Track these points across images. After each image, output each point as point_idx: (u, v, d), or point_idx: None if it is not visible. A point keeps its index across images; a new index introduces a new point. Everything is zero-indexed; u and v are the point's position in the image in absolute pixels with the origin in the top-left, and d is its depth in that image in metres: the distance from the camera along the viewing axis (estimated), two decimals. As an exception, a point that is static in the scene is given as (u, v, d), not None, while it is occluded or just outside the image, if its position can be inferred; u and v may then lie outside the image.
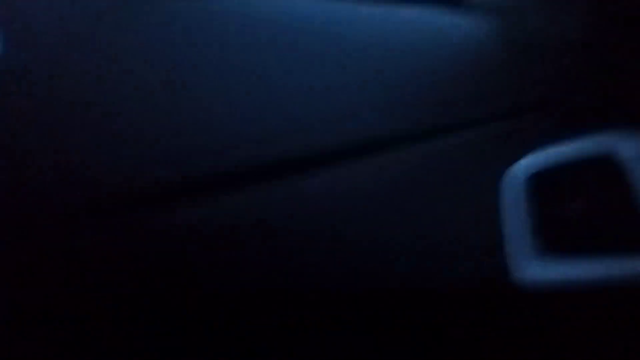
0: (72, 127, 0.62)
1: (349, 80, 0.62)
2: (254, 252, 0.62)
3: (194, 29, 0.62)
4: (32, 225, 0.63)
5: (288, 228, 0.62)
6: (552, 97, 0.61)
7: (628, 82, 0.59)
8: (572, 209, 0.59)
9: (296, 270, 0.63)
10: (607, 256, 0.57)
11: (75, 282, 0.65)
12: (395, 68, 0.62)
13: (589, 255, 0.58)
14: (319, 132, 0.61)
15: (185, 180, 0.62)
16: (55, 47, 0.63)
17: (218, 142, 0.62)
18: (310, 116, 0.62)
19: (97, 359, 0.68)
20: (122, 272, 0.64)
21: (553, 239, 0.59)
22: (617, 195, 0.57)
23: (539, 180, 0.59)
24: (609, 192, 0.58)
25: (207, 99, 0.62)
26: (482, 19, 0.63)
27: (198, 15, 0.62)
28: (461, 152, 0.61)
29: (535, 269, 0.59)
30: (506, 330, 0.63)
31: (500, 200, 0.60)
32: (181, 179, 0.61)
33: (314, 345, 0.66)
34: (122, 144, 0.62)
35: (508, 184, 0.60)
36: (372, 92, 0.62)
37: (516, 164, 0.60)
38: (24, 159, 0.62)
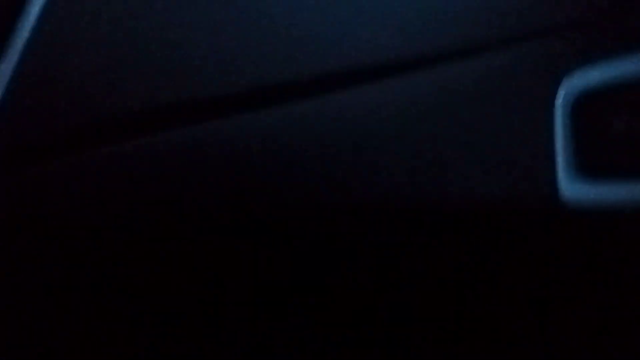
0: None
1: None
2: (301, 170, 0.62)
3: None
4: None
5: (329, 144, 0.62)
6: (604, 13, 0.60)
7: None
8: (621, 129, 0.59)
9: (337, 189, 0.62)
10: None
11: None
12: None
13: (634, 177, 0.58)
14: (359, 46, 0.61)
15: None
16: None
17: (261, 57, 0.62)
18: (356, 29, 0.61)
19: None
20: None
21: (599, 159, 0.59)
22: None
23: (589, 98, 0.59)
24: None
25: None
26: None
27: None
28: (512, 66, 0.61)
29: (581, 189, 0.59)
30: (547, 248, 0.63)
31: (551, 116, 0.59)
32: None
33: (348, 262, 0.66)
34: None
35: (559, 101, 0.59)
36: (420, 11, 0.61)
37: (567, 80, 0.59)
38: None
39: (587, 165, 0.59)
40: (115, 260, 0.70)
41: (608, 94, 0.59)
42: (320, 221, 0.64)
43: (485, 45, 0.61)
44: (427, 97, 0.61)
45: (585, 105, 0.59)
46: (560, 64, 0.60)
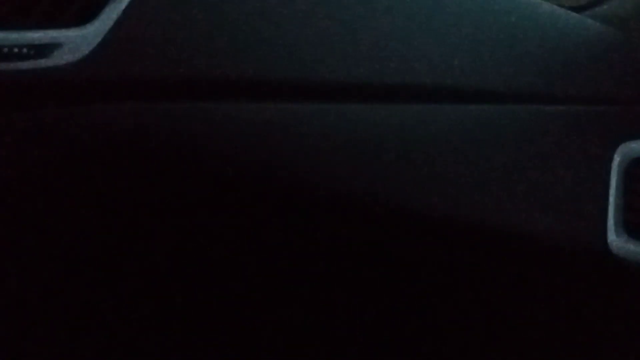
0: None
1: (481, 38, 0.67)
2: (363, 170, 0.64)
3: None
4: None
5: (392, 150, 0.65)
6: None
7: None
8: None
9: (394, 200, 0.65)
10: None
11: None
12: (531, 41, 0.68)
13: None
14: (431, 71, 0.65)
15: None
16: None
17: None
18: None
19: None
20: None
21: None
22: None
23: (641, 166, 0.66)
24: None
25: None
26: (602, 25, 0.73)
27: None
28: (578, 124, 0.67)
29: (623, 245, 0.66)
30: (591, 294, 0.69)
31: (607, 176, 0.66)
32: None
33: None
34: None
35: (615, 164, 0.66)
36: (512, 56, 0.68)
37: (624, 146, 0.67)
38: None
39: (634, 225, 0.66)
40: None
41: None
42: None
43: (554, 97, 0.68)
44: (492, 132, 0.66)
45: (637, 172, 0.67)
46: (619, 131, 0.68)
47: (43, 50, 0.57)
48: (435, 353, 0.73)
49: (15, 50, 0.57)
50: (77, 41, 0.58)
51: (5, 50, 0.56)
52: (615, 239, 0.66)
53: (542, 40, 0.70)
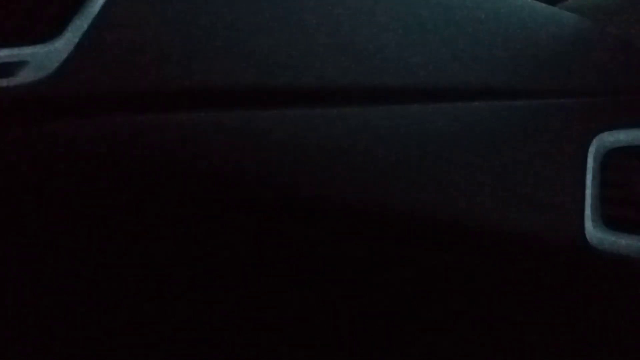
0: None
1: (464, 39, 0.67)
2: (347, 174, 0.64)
3: None
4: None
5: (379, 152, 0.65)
6: (637, 84, 0.68)
7: None
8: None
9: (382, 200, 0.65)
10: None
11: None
12: (506, 36, 0.68)
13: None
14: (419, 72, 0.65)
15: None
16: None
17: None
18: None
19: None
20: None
21: (618, 213, 0.66)
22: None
23: (618, 157, 0.66)
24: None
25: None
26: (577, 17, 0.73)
27: None
28: (553, 113, 0.67)
29: (601, 237, 0.66)
30: (565, 286, 0.69)
31: (581, 166, 0.66)
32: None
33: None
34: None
35: (591, 154, 0.66)
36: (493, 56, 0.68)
37: (599, 137, 0.66)
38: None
39: (611, 217, 0.66)
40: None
41: (633, 156, 0.66)
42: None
43: (528, 90, 0.68)
44: (464, 128, 0.66)
45: (612, 163, 0.67)
46: (594, 122, 0.67)
47: (8, 68, 0.57)
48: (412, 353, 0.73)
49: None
50: (43, 58, 0.58)
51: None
52: (592, 232, 0.66)
53: (516, 34, 0.70)
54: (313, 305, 0.74)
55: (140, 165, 0.62)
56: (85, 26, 0.59)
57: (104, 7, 0.60)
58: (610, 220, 0.66)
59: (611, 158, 0.67)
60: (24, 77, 0.57)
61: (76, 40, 0.59)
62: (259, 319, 0.75)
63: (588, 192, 0.66)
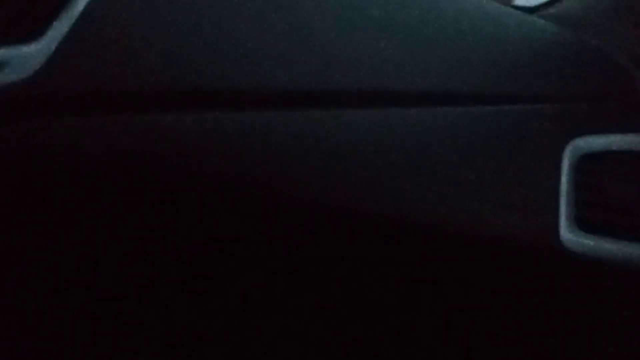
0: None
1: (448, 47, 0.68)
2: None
3: None
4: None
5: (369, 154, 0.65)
6: (611, 91, 0.70)
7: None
8: (615, 193, 0.68)
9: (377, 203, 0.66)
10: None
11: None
12: (479, 42, 0.69)
13: (622, 238, 0.67)
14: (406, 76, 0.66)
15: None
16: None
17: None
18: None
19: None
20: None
21: (592, 216, 0.67)
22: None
23: (592, 161, 0.68)
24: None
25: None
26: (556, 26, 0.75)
27: None
28: (530, 118, 0.68)
29: (575, 240, 0.67)
30: (541, 290, 0.70)
31: (556, 171, 0.67)
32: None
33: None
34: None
35: (566, 159, 0.68)
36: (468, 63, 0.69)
37: (576, 141, 0.68)
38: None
39: (585, 220, 0.67)
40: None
41: (606, 160, 0.68)
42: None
43: (504, 96, 0.69)
44: (442, 133, 0.67)
45: (587, 167, 0.68)
46: (568, 128, 0.69)
47: (-11, 69, 0.57)
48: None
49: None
50: (24, 58, 0.58)
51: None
52: (567, 235, 0.67)
53: (493, 41, 0.71)
54: (313, 305, 0.75)
55: (131, 167, 0.62)
56: (67, 28, 0.59)
57: (86, 9, 0.61)
58: (584, 223, 0.67)
59: (585, 162, 0.68)
60: (4, 77, 0.57)
61: (57, 41, 0.59)
62: (259, 319, 0.75)
63: (563, 196, 0.68)
